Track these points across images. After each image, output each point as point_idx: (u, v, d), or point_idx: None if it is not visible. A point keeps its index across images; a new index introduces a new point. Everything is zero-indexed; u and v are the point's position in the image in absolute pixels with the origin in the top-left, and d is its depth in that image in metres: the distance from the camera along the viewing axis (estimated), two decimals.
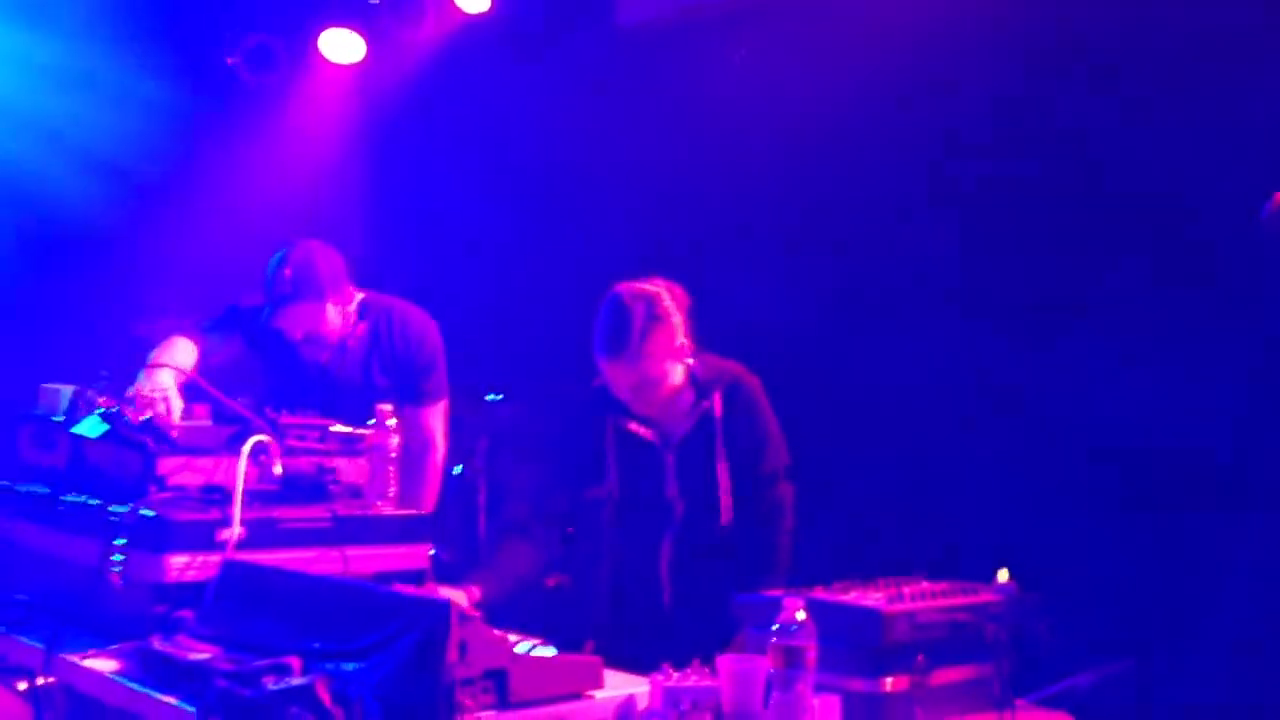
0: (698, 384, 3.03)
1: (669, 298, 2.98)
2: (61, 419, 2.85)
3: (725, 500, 2.97)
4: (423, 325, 3.62)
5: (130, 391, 2.87)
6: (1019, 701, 2.30)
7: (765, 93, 4.86)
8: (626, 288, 2.98)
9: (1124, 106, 3.84)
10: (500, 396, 4.77)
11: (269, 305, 3.39)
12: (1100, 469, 3.76)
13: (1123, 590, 3.57)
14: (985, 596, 2.35)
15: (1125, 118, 3.83)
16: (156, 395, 2.87)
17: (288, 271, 3.36)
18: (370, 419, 2.87)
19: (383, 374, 3.54)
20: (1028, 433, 4.02)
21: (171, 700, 2.15)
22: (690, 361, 3.03)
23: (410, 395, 3.54)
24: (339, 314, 3.47)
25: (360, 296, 3.56)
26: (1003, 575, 2.41)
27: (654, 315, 2.92)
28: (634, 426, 3.03)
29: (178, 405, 2.91)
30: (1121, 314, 3.81)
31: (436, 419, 3.63)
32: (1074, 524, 3.76)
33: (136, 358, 3.14)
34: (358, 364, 3.55)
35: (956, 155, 4.27)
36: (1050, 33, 4.00)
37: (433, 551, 2.95)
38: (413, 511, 2.87)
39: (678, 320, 2.97)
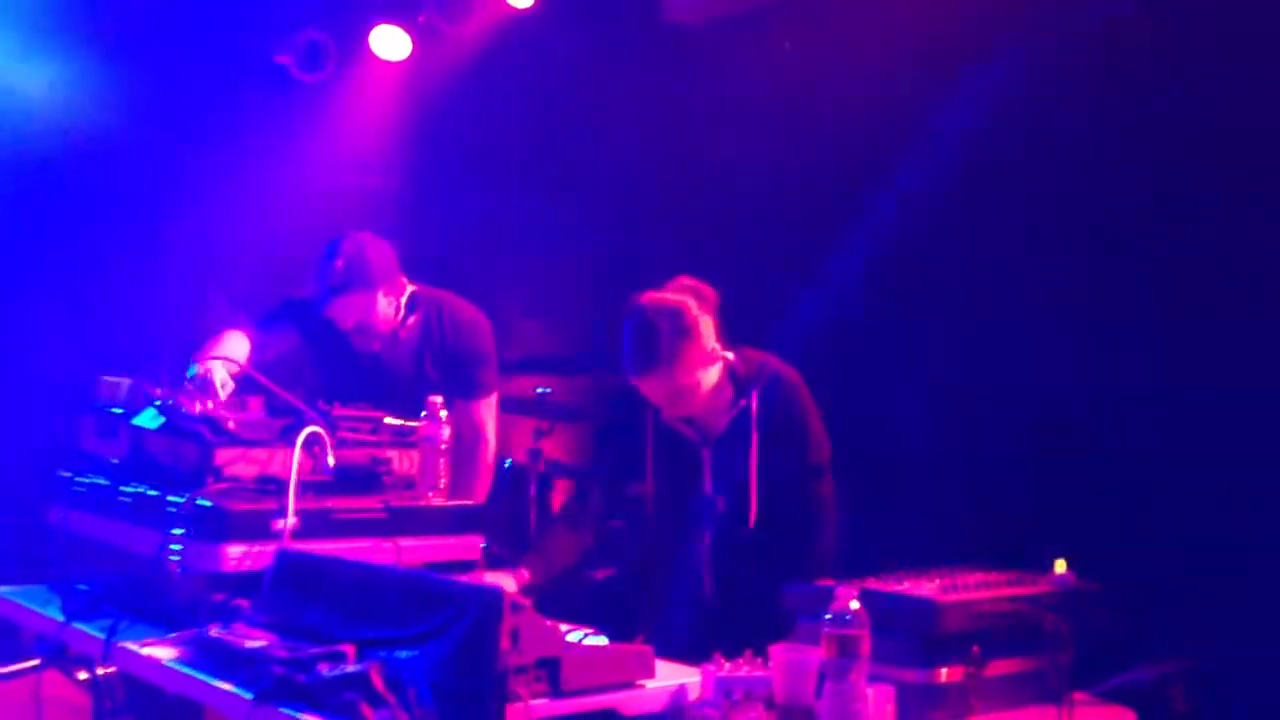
0: (736, 381, 3.00)
1: (695, 305, 2.92)
2: (121, 411, 2.89)
3: (754, 503, 2.93)
4: (473, 319, 3.63)
5: (182, 383, 2.91)
6: (1077, 695, 2.27)
7: (812, 86, 4.84)
8: (650, 301, 2.92)
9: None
10: (549, 390, 4.78)
11: (321, 295, 3.42)
12: (1162, 462, 3.70)
13: (1184, 584, 3.52)
14: (1042, 587, 2.33)
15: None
16: (206, 386, 2.90)
17: (339, 262, 3.39)
18: (422, 411, 2.89)
19: (434, 367, 3.56)
20: (1085, 423, 3.97)
21: (228, 687, 2.18)
22: (729, 357, 3.00)
23: (461, 388, 3.56)
24: (390, 304, 3.49)
25: (411, 289, 3.58)
26: (1060, 566, 2.38)
27: (680, 329, 2.87)
28: (673, 421, 3.02)
29: (223, 396, 2.94)
30: (1185, 305, 3.76)
31: (488, 412, 3.65)
32: (1135, 516, 3.71)
33: (193, 351, 3.18)
34: (409, 357, 3.58)
35: (1010, 143, 4.23)
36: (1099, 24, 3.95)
37: (484, 544, 2.97)
38: (464, 502, 2.89)
39: (706, 325, 2.92)
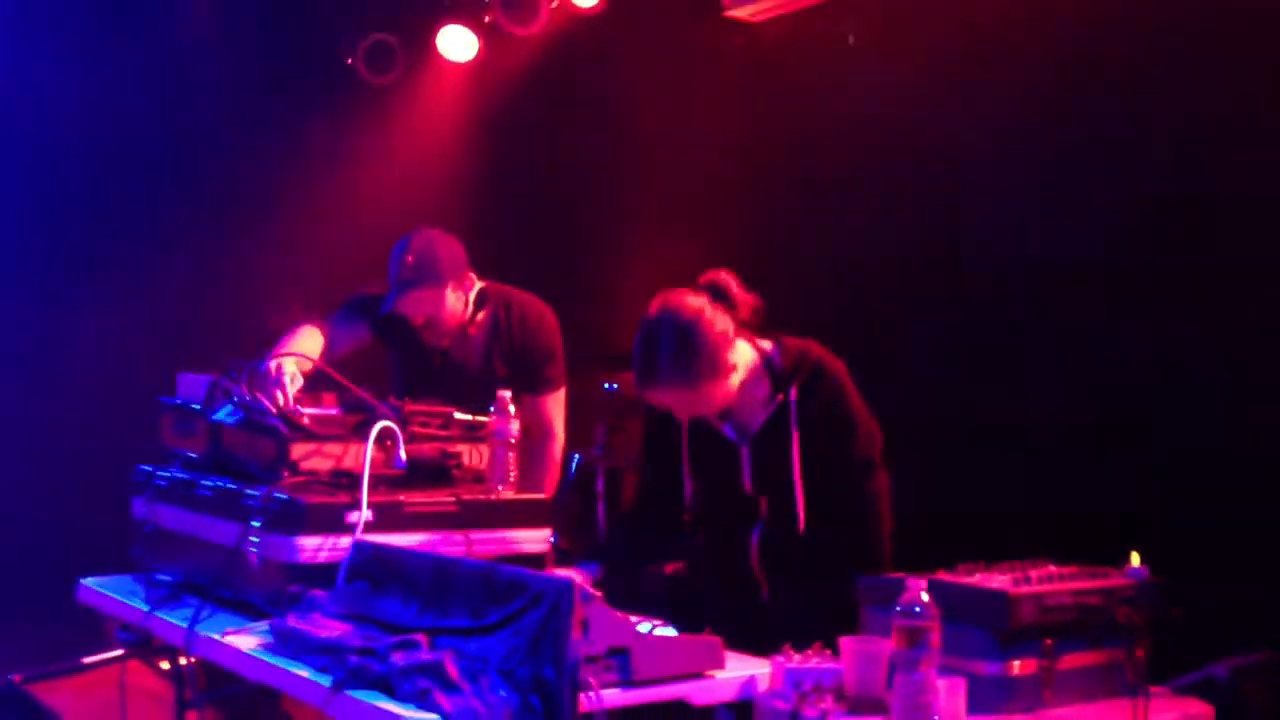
0: (774, 373, 2.86)
1: (710, 309, 2.78)
2: (200, 407, 2.96)
3: (803, 502, 2.81)
4: (541, 314, 3.66)
5: (254, 377, 2.96)
6: (1154, 689, 2.24)
7: (875, 77, 4.81)
8: (658, 311, 2.79)
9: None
10: (616, 385, 4.80)
11: (391, 290, 3.47)
12: (1240, 452, 3.64)
13: (1263, 578, 3.45)
14: (1116, 580, 2.30)
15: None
16: (273, 381, 2.95)
17: (409, 258, 3.43)
18: (491, 406, 2.92)
19: (503, 363, 3.60)
20: (1160, 416, 3.91)
21: (306, 674, 2.22)
22: (766, 347, 2.89)
23: (530, 384, 3.59)
24: (458, 300, 3.53)
25: (480, 285, 3.62)
26: (1134, 559, 2.35)
27: (684, 343, 2.74)
28: (708, 419, 2.91)
29: (292, 392, 2.98)
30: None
31: (556, 407, 3.67)
32: (1214, 508, 3.64)
33: (268, 347, 3.24)
34: (478, 352, 3.61)
35: (1073, 133, 4.18)
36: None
37: (552, 539, 2.99)
38: (533, 496, 2.91)
39: (723, 327, 2.78)
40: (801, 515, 2.83)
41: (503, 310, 3.63)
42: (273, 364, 3.00)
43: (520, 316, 3.63)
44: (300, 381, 2.99)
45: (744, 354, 2.87)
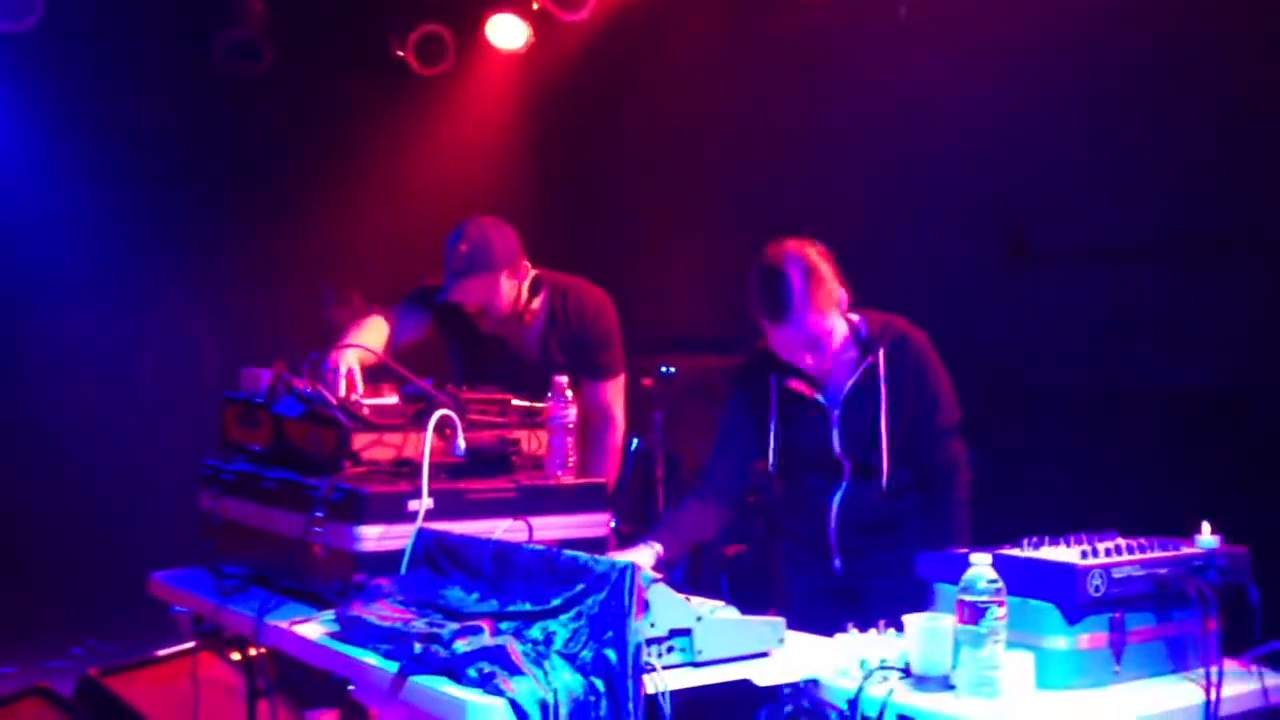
0: (861, 340, 2.97)
1: (814, 251, 2.92)
2: (263, 401, 3.00)
3: (887, 465, 2.91)
4: (598, 302, 3.67)
5: (315, 370, 3.00)
6: (1229, 660, 2.20)
7: (930, 50, 4.75)
8: (773, 251, 2.92)
9: None
10: (674, 370, 4.80)
11: (446, 279, 3.49)
12: None
13: None
14: (1186, 552, 2.25)
15: None
16: (329, 373, 2.99)
17: (464, 246, 3.46)
18: (548, 393, 2.93)
19: (560, 351, 3.61)
20: (1226, 388, 3.83)
21: (373, 661, 2.25)
22: (854, 318, 2.98)
23: (588, 371, 3.60)
24: (512, 287, 3.54)
25: (535, 274, 3.63)
26: (1205, 530, 2.30)
27: (807, 271, 2.87)
28: (796, 385, 2.98)
29: (358, 382, 3.02)
30: None
31: (615, 394, 3.67)
32: None
33: (331, 339, 3.27)
34: (536, 341, 3.63)
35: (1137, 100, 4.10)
36: None
37: (613, 524, 3.00)
38: (593, 480, 2.92)
39: (828, 270, 2.91)
40: (885, 472, 2.90)
41: (559, 298, 3.63)
42: (333, 357, 3.04)
43: (577, 304, 3.63)
44: (358, 373, 3.02)
45: (836, 322, 2.94)
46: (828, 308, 2.89)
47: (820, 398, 2.99)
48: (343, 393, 2.92)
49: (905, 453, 2.94)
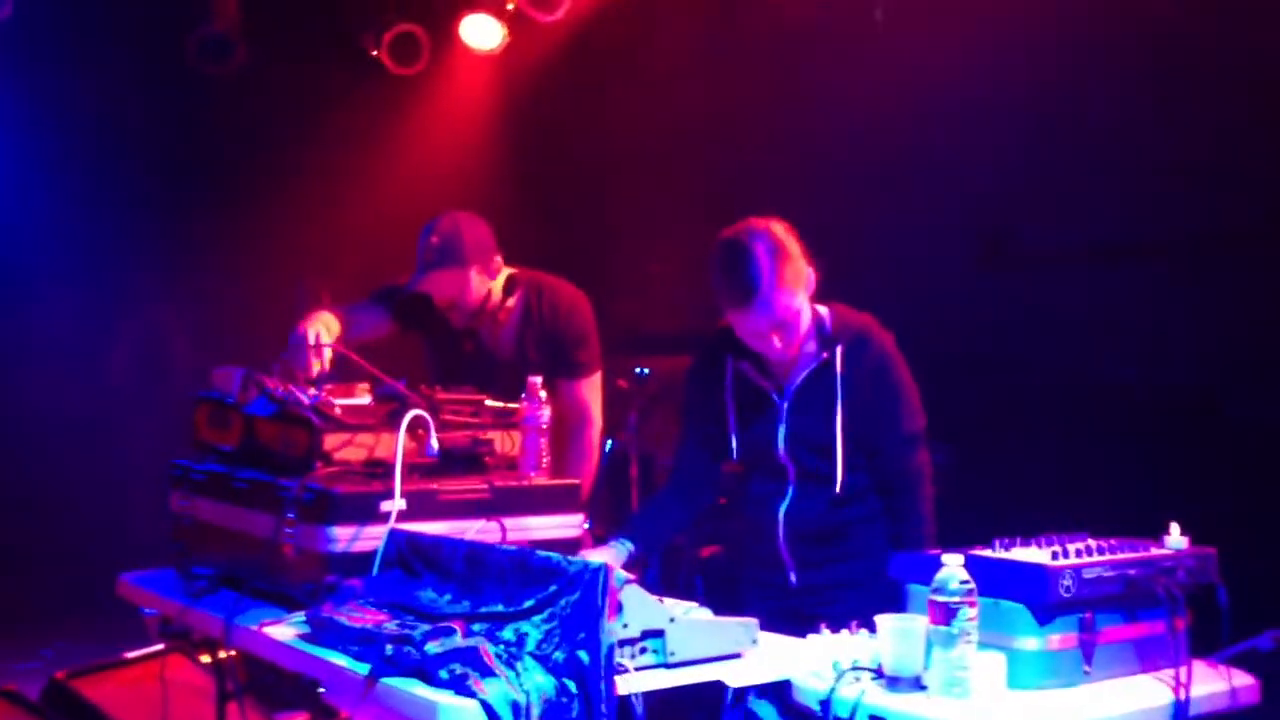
0: (823, 335, 2.83)
1: (780, 227, 2.78)
2: (233, 400, 2.97)
3: (842, 470, 2.77)
4: (573, 299, 3.65)
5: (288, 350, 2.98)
6: (1198, 661, 2.21)
7: (907, 51, 4.77)
8: (736, 228, 2.79)
9: None
10: (648, 371, 4.79)
11: (417, 270, 3.47)
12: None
13: None
14: (1156, 553, 2.26)
15: None
16: (301, 345, 2.95)
17: (435, 239, 3.44)
18: (523, 393, 2.92)
19: (536, 348, 3.59)
20: (1198, 389, 3.86)
21: (344, 663, 2.23)
22: (822, 310, 2.87)
23: (565, 368, 3.58)
24: (484, 283, 3.52)
25: (510, 272, 3.61)
26: (1174, 531, 2.31)
27: (774, 248, 2.72)
28: (750, 371, 2.85)
29: (325, 352, 2.98)
30: None
31: (592, 392, 3.65)
32: (1252, 481, 3.60)
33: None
34: (511, 339, 3.61)
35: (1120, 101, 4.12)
36: None
37: (587, 524, 2.98)
38: (566, 481, 2.90)
39: (795, 247, 2.77)
40: (840, 479, 2.78)
41: (534, 295, 3.62)
42: (306, 329, 3.00)
43: (551, 301, 3.62)
44: (326, 338, 2.99)
45: (805, 305, 2.81)
46: (796, 286, 2.75)
47: (770, 389, 2.85)
48: (314, 367, 2.89)
49: (860, 458, 2.81)
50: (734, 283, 2.74)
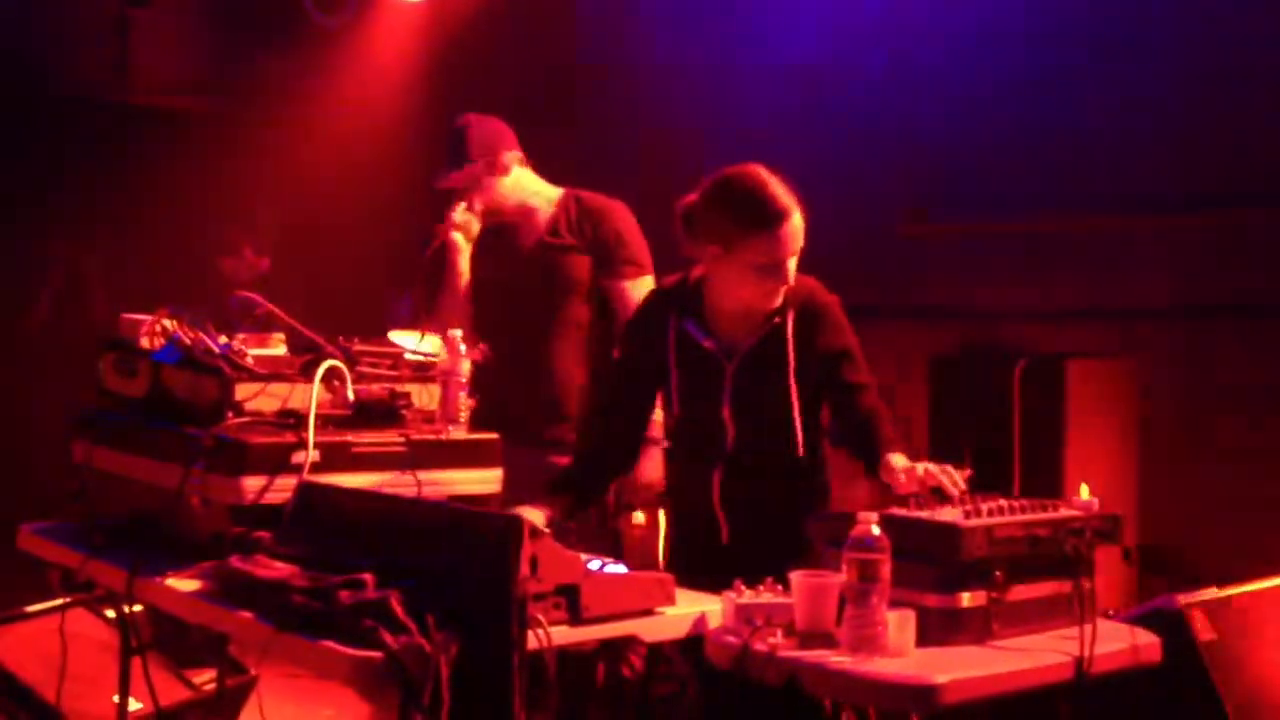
0: None
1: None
2: (141, 348, 2.89)
3: (797, 428, 2.76)
4: (608, 201, 3.57)
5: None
6: (1101, 620, 2.25)
7: (835, 9, 4.75)
8: (739, 167, 2.76)
9: None
10: None
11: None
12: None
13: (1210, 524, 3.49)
14: (1065, 513, 2.29)
15: None
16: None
17: (450, 139, 3.57)
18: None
19: (570, 232, 3.52)
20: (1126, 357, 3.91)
21: (250, 616, 2.19)
22: None
23: (607, 270, 3.48)
24: (492, 180, 3.56)
25: (523, 166, 3.61)
26: (1084, 492, 2.35)
27: (775, 178, 2.73)
28: (694, 331, 2.81)
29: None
30: None
31: (639, 293, 3.35)
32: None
33: (221, 289, 3.17)
34: (545, 225, 3.55)
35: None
36: None
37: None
38: (484, 436, 2.86)
39: None
40: (800, 442, 2.76)
41: (571, 201, 3.57)
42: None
43: (586, 205, 3.54)
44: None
45: None
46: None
47: (715, 350, 2.80)
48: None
49: (815, 420, 2.80)
50: (766, 202, 2.69)
